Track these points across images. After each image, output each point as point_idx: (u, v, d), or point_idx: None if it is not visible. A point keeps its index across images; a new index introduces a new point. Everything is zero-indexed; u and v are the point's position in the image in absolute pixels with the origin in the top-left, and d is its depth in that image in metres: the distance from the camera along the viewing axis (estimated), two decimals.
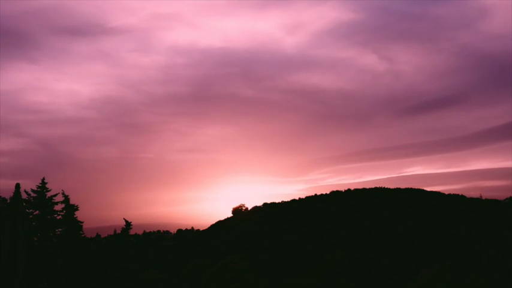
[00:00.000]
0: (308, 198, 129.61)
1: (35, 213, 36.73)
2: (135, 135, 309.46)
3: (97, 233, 53.56)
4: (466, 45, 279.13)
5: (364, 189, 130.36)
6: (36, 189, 37.18)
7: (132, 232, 49.54)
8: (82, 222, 38.73)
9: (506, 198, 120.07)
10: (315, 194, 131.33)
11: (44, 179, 37.56)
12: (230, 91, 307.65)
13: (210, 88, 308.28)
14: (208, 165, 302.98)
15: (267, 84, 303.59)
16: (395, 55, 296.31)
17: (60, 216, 37.89)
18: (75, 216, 38.23)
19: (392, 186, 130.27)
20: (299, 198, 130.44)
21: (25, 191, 36.22)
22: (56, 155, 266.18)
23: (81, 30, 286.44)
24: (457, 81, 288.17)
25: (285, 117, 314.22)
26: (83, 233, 39.19)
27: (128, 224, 44.07)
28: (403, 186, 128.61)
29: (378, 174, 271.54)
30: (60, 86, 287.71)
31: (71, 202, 37.94)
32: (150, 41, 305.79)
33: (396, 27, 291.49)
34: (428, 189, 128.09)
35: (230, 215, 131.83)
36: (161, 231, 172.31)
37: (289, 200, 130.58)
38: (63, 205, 37.99)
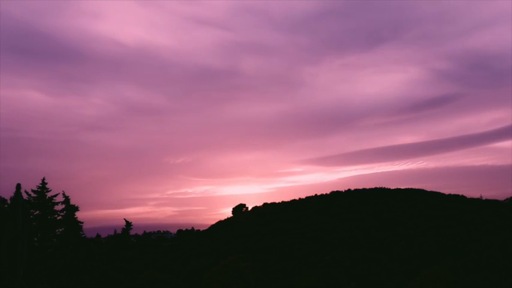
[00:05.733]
0: (308, 198, 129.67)
1: (35, 213, 36.72)
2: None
3: (97, 233, 53.80)
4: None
5: (364, 189, 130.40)
6: (36, 189, 37.14)
7: (132, 232, 49.53)
8: (82, 223, 38.75)
9: (506, 198, 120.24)
10: (315, 194, 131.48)
11: (44, 179, 37.52)
12: None
13: None
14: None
15: None
16: None
17: (60, 217, 37.87)
18: (75, 216, 38.23)
19: (391, 186, 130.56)
20: (299, 198, 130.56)
21: (25, 192, 36.18)
22: None
23: None
24: (456, 81, 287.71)
25: None
26: (83, 233, 39.18)
27: (129, 224, 44.05)
28: (402, 185, 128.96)
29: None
30: None
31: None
32: None
33: None
34: (427, 188, 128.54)
35: (230, 215, 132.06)
36: (161, 231, 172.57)
37: (288, 200, 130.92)
38: (63, 205, 37.96)
